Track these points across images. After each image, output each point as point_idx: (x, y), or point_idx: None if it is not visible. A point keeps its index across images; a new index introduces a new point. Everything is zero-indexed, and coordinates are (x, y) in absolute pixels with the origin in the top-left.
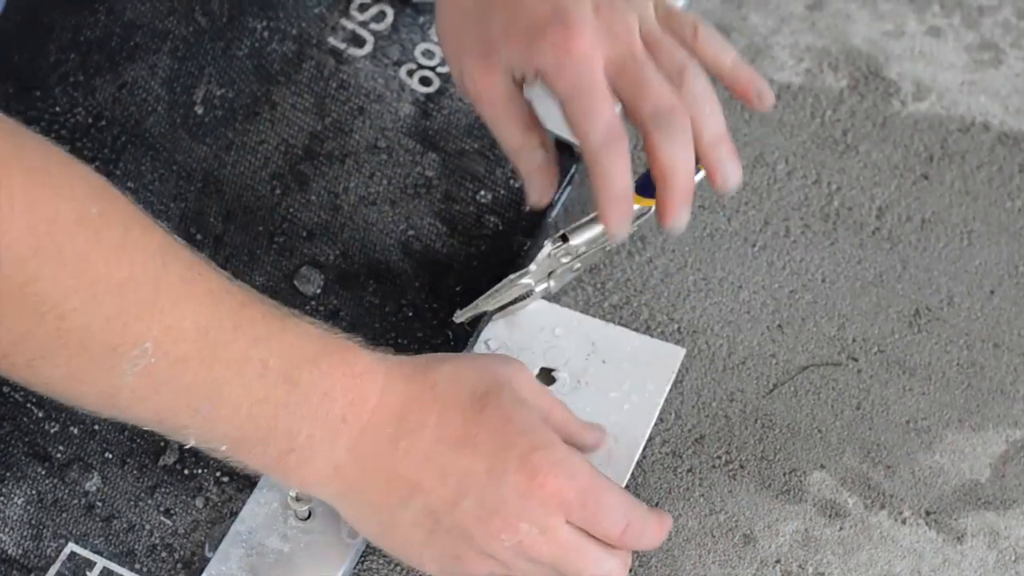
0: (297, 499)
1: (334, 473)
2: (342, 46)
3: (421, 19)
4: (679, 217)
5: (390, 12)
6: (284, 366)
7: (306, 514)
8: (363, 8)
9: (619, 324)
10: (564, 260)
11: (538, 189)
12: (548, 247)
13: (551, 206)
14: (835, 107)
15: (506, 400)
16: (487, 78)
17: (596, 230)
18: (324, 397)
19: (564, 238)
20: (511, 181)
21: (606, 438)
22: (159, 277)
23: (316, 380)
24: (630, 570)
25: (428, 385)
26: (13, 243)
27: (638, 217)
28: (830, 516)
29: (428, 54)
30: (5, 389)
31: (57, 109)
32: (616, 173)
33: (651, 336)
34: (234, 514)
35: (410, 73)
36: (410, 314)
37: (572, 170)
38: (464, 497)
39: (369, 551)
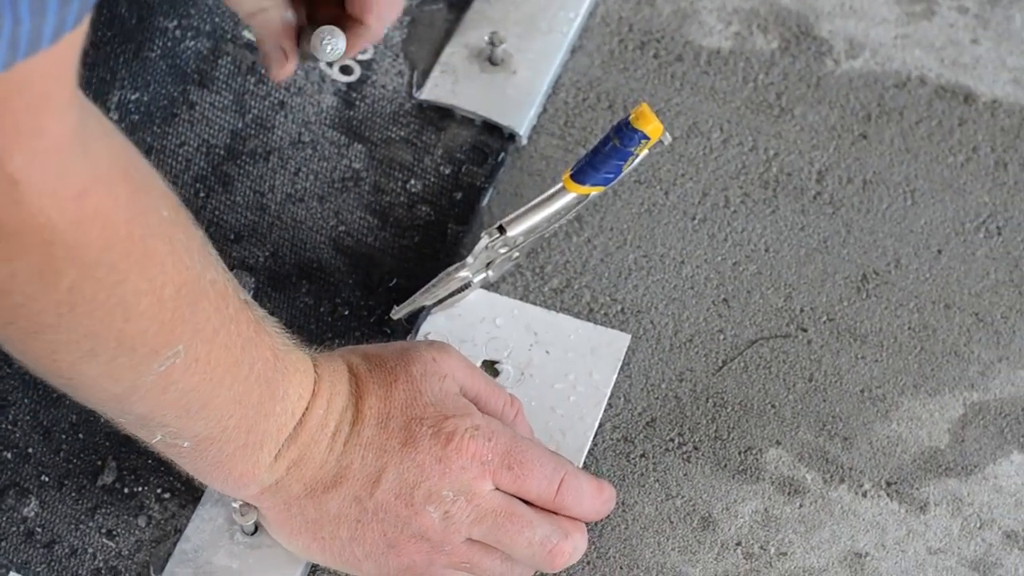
0: (242, 513)
1: (271, 465)
2: None
3: None
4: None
5: None
6: (263, 368)
7: (252, 528)
8: None
9: (561, 309)
10: (502, 251)
11: (278, 58)
12: (485, 239)
13: (482, 191)
14: (767, 70)
15: (415, 373)
16: None
17: (534, 219)
18: (284, 396)
19: (501, 229)
20: (441, 168)
21: (552, 429)
22: (201, 280)
23: (282, 379)
24: (587, 562)
25: (345, 369)
26: (113, 249)
27: (576, 204)
28: (789, 493)
29: None
30: None
31: None
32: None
33: (595, 319)
34: (179, 531)
35: (329, 63)
36: (346, 313)
37: (502, 153)
38: (383, 475)
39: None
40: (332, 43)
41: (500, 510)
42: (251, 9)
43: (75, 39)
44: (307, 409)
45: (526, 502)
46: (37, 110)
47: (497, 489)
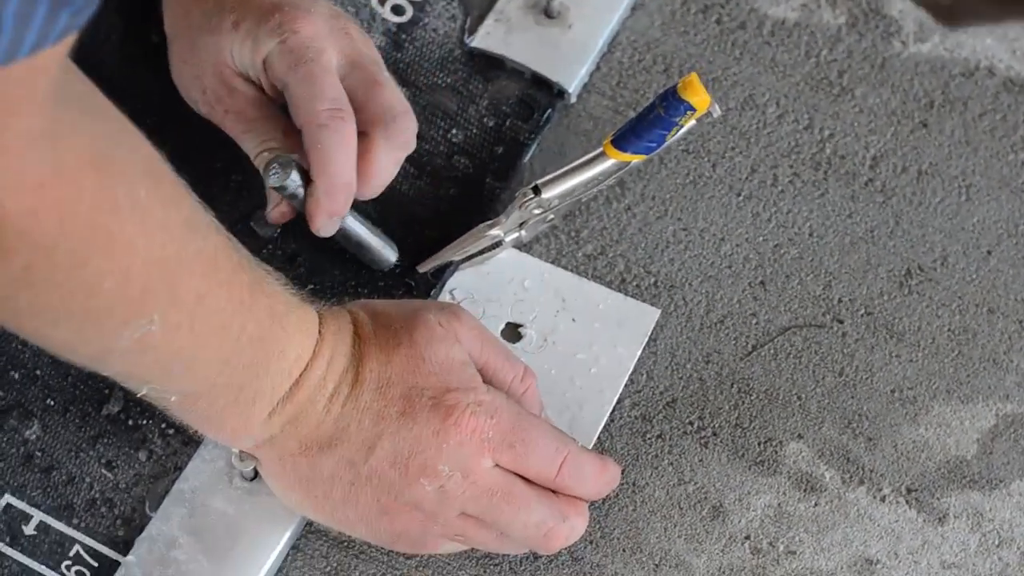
0: (241, 459)
1: (266, 421)
2: None
3: None
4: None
5: None
6: (257, 330)
7: (252, 474)
8: None
9: (593, 276)
10: (536, 212)
11: (274, 199)
12: (519, 199)
13: (525, 147)
14: (831, 46)
15: (420, 339)
16: (221, 90)
17: (571, 183)
18: (280, 355)
19: (536, 190)
20: (485, 119)
21: (568, 400)
22: (181, 253)
23: (277, 339)
24: (590, 541)
25: (350, 328)
26: (72, 235)
27: (616, 171)
28: (805, 490)
29: None
30: None
31: None
32: (339, 158)
33: (626, 289)
34: (178, 469)
35: (382, 1)
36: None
37: (550, 109)
38: (378, 441)
39: None
40: (278, 174)
41: (497, 489)
42: (257, 151)
43: (57, 52)
44: (306, 369)
45: (527, 479)
46: (5, 112)
47: (497, 466)
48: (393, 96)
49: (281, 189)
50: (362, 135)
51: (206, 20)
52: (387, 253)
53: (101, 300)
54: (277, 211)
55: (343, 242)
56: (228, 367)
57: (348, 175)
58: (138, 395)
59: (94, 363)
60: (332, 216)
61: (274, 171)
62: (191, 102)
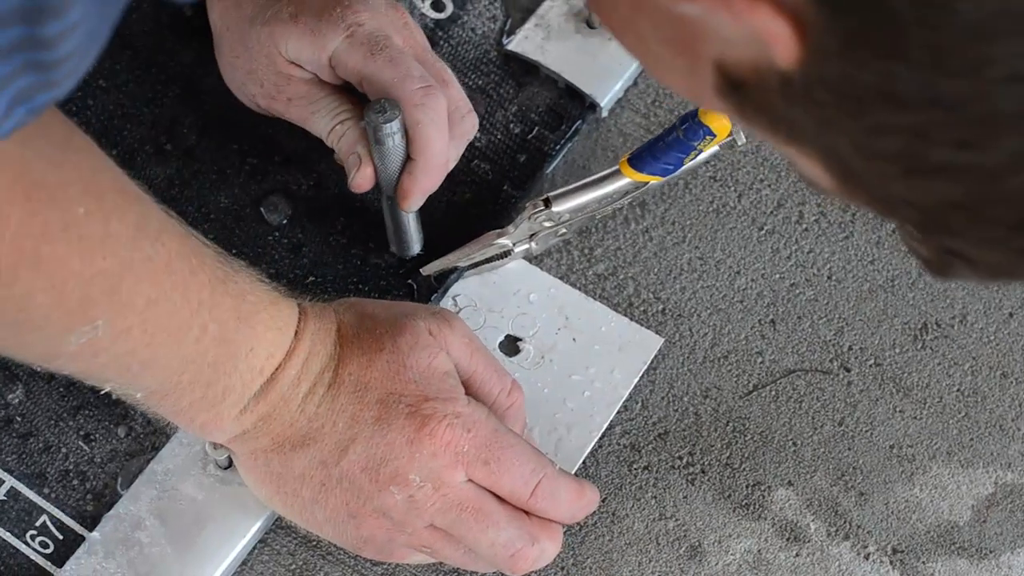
0: (215, 447)
1: (238, 417)
2: None
3: None
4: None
5: None
6: (219, 330)
7: (226, 463)
8: None
9: (600, 296)
10: (547, 224)
11: (354, 164)
12: (528, 210)
13: (549, 157)
14: None
15: (403, 345)
16: (280, 80)
17: (583, 198)
18: (249, 353)
19: (547, 202)
20: (511, 126)
21: (558, 421)
22: (126, 263)
23: (245, 338)
24: (561, 567)
25: (333, 328)
26: None
27: (632, 191)
28: (788, 539)
29: None
30: None
31: None
32: (437, 135)
33: (632, 314)
34: (155, 449)
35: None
36: (375, 259)
37: (579, 121)
38: (352, 444)
39: None
40: (386, 113)
41: (467, 504)
42: (331, 126)
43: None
44: (280, 367)
45: (500, 498)
46: None
47: (470, 481)
48: (460, 94)
49: (377, 131)
50: None
51: (259, 12)
52: (416, 242)
53: (34, 313)
54: (362, 174)
55: (388, 215)
56: (192, 365)
57: (445, 152)
58: (102, 391)
59: (45, 364)
60: (427, 193)
61: (378, 109)
62: (247, 98)
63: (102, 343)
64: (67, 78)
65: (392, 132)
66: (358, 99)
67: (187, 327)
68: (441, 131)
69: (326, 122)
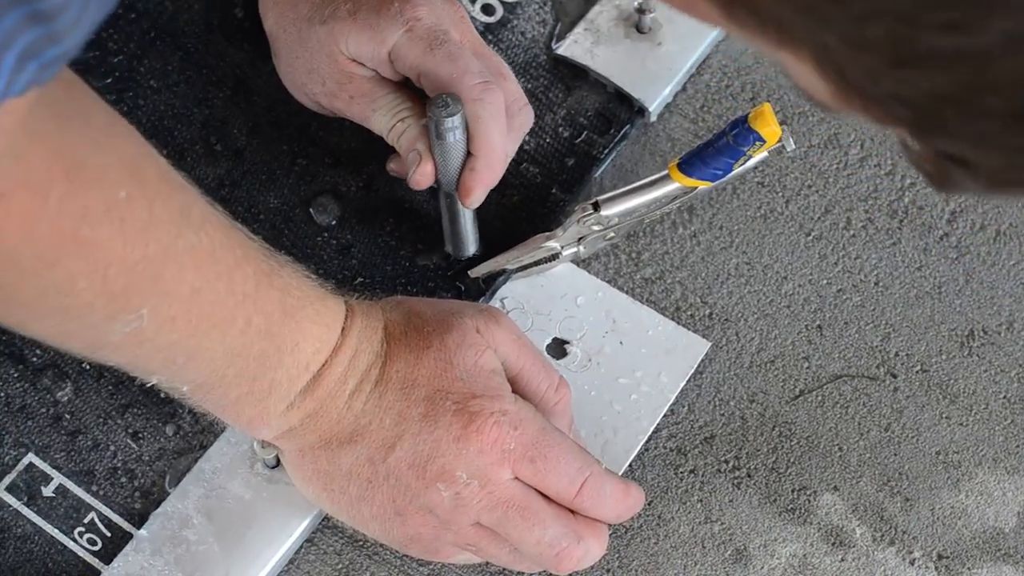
0: (263, 446)
1: (284, 413)
2: None
3: None
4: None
5: None
6: (265, 323)
7: (273, 462)
8: None
9: (648, 301)
10: (595, 228)
11: (414, 161)
12: (577, 213)
13: (597, 161)
14: None
15: (451, 343)
16: (342, 79)
17: (632, 203)
18: (295, 348)
19: (596, 206)
20: (560, 129)
21: (604, 424)
22: (169, 249)
23: (291, 333)
24: (607, 568)
25: (380, 326)
26: (37, 241)
27: (680, 195)
28: (833, 544)
29: None
30: None
31: None
32: (497, 130)
33: (679, 318)
34: (203, 448)
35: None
36: (423, 261)
37: (628, 126)
38: (398, 441)
39: None
40: (449, 107)
41: (513, 502)
42: (391, 123)
43: (26, 98)
44: (326, 363)
45: (546, 496)
46: None
47: (516, 479)
48: (516, 88)
49: (439, 125)
50: None
51: (317, 11)
52: (472, 242)
53: (78, 298)
54: (422, 171)
55: (446, 214)
56: (238, 359)
57: (505, 147)
58: (148, 384)
59: (90, 354)
60: (488, 188)
61: (440, 104)
62: (308, 98)
63: (146, 333)
64: (70, 31)
65: (454, 127)
66: (418, 97)
67: (232, 318)
68: (500, 125)
69: (387, 119)
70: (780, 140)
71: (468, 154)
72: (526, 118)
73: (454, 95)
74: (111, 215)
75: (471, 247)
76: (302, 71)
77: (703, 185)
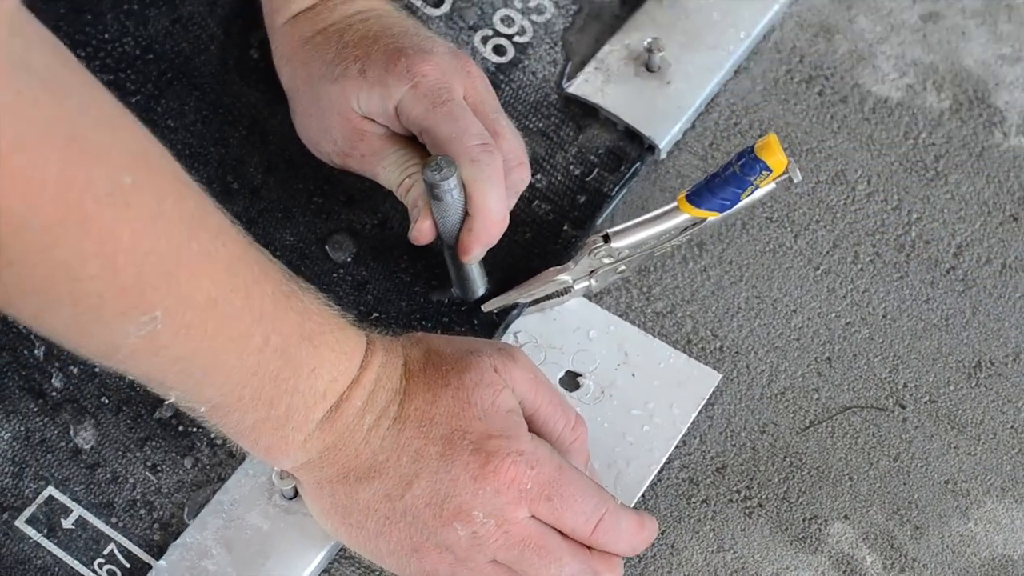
0: (281, 477)
1: (302, 444)
2: (418, 2)
3: None
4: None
5: None
6: (282, 343)
7: (291, 493)
8: None
9: (659, 334)
10: (606, 261)
11: (416, 217)
12: (588, 245)
13: (608, 198)
14: (932, 130)
15: (469, 382)
16: (354, 136)
17: (642, 235)
18: (312, 373)
19: (606, 238)
20: (571, 167)
21: (617, 455)
22: (182, 249)
23: (308, 357)
24: None
25: (400, 362)
26: (41, 212)
27: (690, 227)
28: (844, 572)
29: (507, 21)
30: (9, 318)
31: (106, 36)
32: (494, 192)
33: (690, 351)
34: (221, 480)
35: (485, 40)
36: (438, 296)
37: (638, 163)
38: (416, 479)
39: None
40: (442, 171)
41: (530, 541)
42: (400, 179)
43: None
44: (344, 395)
45: (562, 533)
46: None
47: (533, 517)
48: (511, 146)
49: (434, 187)
50: None
51: (328, 70)
52: (479, 285)
53: (87, 285)
54: (419, 228)
55: (451, 262)
56: (254, 378)
57: (503, 208)
58: (167, 402)
59: (106, 359)
60: (486, 247)
61: (435, 167)
62: (323, 155)
63: (162, 339)
64: None
65: (449, 189)
66: (427, 153)
67: (249, 335)
68: (498, 188)
69: (396, 175)
70: (787, 170)
71: (466, 214)
72: (521, 176)
73: (448, 157)
74: (115, 198)
75: (478, 290)
76: (315, 129)
77: (712, 216)
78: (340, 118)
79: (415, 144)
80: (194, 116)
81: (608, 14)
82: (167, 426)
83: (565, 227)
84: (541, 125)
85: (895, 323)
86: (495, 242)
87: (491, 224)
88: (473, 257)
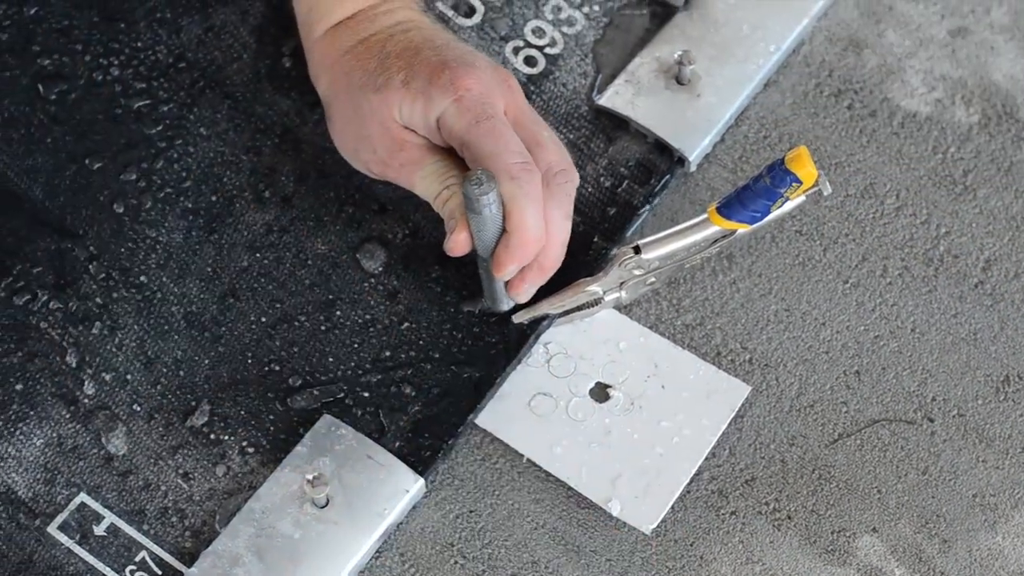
0: (314, 485)
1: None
2: (450, 13)
3: None
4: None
5: None
6: None
7: (323, 501)
8: None
9: (689, 346)
10: (636, 272)
11: (452, 228)
12: (619, 257)
13: (638, 210)
14: (960, 144)
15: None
16: (393, 146)
17: (672, 246)
18: None
19: (637, 250)
20: (601, 179)
21: (647, 467)
22: None
23: None
24: None
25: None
26: None
27: (720, 239)
28: None
29: (538, 32)
30: (43, 325)
31: (139, 44)
32: (533, 210)
33: (720, 363)
34: (252, 488)
35: (516, 51)
36: (468, 306)
37: (668, 175)
38: None
39: (385, 547)
40: (482, 185)
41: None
42: (438, 190)
43: None
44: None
45: None
46: None
47: None
48: (554, 154)
49: (474, 201)
50: None
51: (370, 80)
52: (508, 298)
53: None
54: (455, 239)
55: (483, 273)
56: None
57: (541, 227)
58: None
59: None
60: (521, 265)
61: (475, 182)
62: (361, 164)
63: None
64: None
65: (488, 204)
66: (465, 166)
67: None
68: (536, 206)
69: (435, 187)
70: (817, 183)
71: (503, 230)
72: (564, 178)
73: (488, 172)
74: None
75: (509, 302)
76: (354, 138)
77: (742, 228)
78: (380, 127)
79: (453, 156)
80: (226, 124)
81: (639, 27)
82: (198, 434)
83: (595, 239)
84: (571, 137)
85: (923, 337)
86: (530, 260)
87: (528, 242)
88: (507, 273)
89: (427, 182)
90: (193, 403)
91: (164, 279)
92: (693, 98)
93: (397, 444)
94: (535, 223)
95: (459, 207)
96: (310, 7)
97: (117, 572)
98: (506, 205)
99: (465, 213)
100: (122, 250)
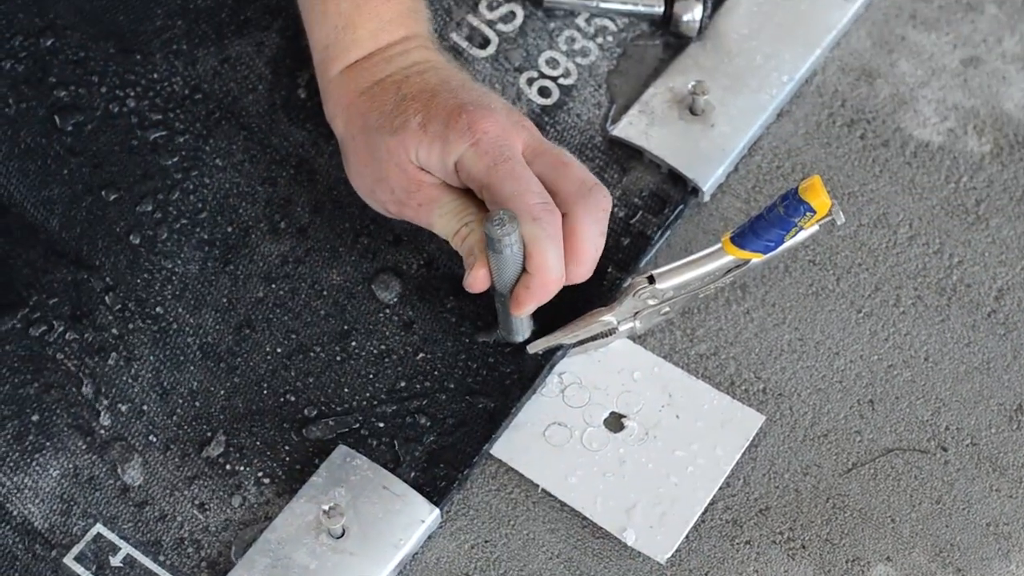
0: (329, 516)
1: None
2: (464, 44)
3: (551, 25)
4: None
5: (520, 13)
6: None
7: (339, 531)
8: (492, 6)
9: (703, 376)
10: (650, 302)
11: (471, 264)
12: (633, 287)
13: (652, 240)
14: (972, 173)
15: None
16: (411, 187)
17: (686, 276)
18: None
19: (651, 279)
20: (615, 210)
21: (661, 496)
22: None
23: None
24: None
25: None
26: None
27: (734, 268)
28: None
29: (552, 63)
30: (59, 356)
31: (155, 75)
32: (554, 251)
33: (734, 392)
34: (268, 519)
35: (530, 82)
36: (483, 337)
37: (682, 205)
38: None
39: None
40: (504, 226)
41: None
42: (457, 228)
43: None
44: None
45: None
46: None
47: None
48: (582, 171)
49: (496, 241)
50: (563, 216)
51: (387, 121)
52: (524, 330)
53: None
54: (475, 275)
55: (500, 307)
56: None
57: (560, 268)
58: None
59: None
60: (539, 304)
61: (497, 222)
62: (378, 204)
63: None
64: None
65: (510, 244)
66: (482, 202)
67: None
68: (557, 247)
69: (453, 224)
70: (830, 212)
71: (524, 270)
72: (599, 193)
73: (510, 212)
74: None
75: (524, 333)
76: (371, 179)
77: (756, 258)
78: (397, 169)
79: (469, 193)
80: (242, 155)
81: (652, 57)
82: (214, 465)
83: (609, 269)
84: (586, 167)
85: (936, 366)
86: (549, 299)
87: (548, 282)
88: (524, 312)
89: (445, 220)
90: (209, 434)
91: (180, 310)
92: (707, 128)
93: (412, 474)
94: (556, 264)
95: (478, 244)
96: (326, 45)
97: None
98: (528, 246)
99: (484, 251)
100: (138, 281)
